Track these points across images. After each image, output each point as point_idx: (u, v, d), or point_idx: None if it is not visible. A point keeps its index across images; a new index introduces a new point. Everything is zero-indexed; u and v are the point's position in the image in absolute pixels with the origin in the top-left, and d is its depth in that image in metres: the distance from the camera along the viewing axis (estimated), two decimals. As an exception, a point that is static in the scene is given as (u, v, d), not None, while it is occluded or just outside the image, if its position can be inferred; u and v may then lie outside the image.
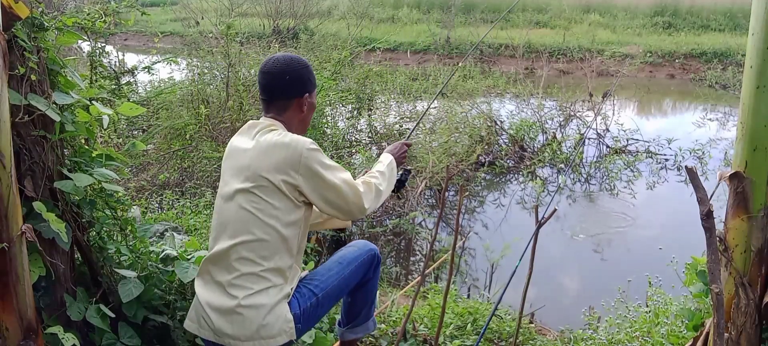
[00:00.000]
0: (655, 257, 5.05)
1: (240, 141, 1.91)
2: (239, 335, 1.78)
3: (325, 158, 1.85)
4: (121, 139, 4.34)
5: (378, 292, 3.46)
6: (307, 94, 1.95)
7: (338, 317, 2.93)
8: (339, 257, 2.10)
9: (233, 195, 1.83)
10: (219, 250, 1.82)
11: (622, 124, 8.23)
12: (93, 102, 1.99)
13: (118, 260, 2.25)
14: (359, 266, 2.10)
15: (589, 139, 8.02)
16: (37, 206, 1.72)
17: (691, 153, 7.69)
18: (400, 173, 2.28)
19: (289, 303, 1.85)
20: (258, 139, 1.84)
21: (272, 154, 1.79)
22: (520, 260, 2.47)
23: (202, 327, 1.85)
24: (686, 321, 2.31)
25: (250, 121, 1.94)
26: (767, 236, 1.72)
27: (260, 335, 1.78)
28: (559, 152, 7.59)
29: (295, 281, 1.91)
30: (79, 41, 2.42)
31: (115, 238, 2.31)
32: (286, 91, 1.91)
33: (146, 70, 4.88)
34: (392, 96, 8.58)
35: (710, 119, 9.90)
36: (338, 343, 2.41)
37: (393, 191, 2.20)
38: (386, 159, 2.16)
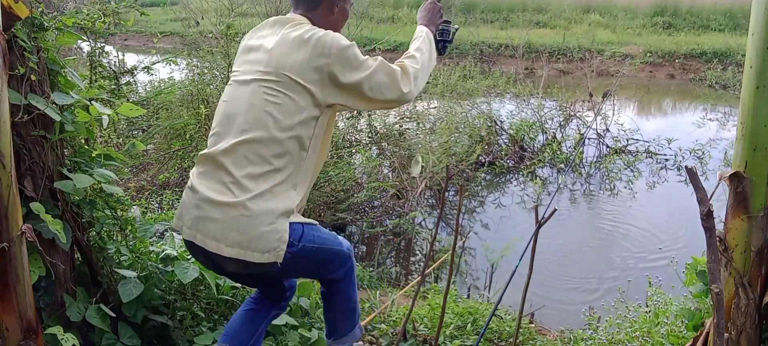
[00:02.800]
0: (655, 257, 5.05)
1: (262, 34, 1.78)
2: (225, 238, 1.62)
3: (357, 51, 1.72)
4: (121, 139, 4.35)
5: (378, 292, 3.47)
6: None
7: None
8: (331, 232, 1.91)
9: (249, 83, 1.69)
10: (226, 145, 1.66)
11: (622, 124, 8.22)
12: (93, 102, 1.99)
13: (118, 260, 2.25)
14: (344, 251, 1.89)
15: (589, 139, 8.02)
16: (36, 207, 1.72)
17: (691, 153, 7.69)
18: (440, 30, 2.06)
19: (291, 226, 1.67)
20: (284, 34, 1.71)
21: (300, 48, 1.66)
22: (520, 260, 2.47)
23: (188, 225, 1.69)
24: (686, 321, 2.31)
25: (274, 17, 1.83)
26: (767, 236, 1.72)
27: (249, 245, 1.62)
28: (559, 152, 7.59)
29: (298, 203, 1.72)
30: (79, 41, 2.42)
31: (115, 238, 2.31)
32: None
33: (146, 70, 4.88)
34: (392, 96, 8.55)
35: (710, 119, 9.89)
36: None
37: (440, 53, 2.06)
38: (420, 33, 1.97)
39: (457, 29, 2.11)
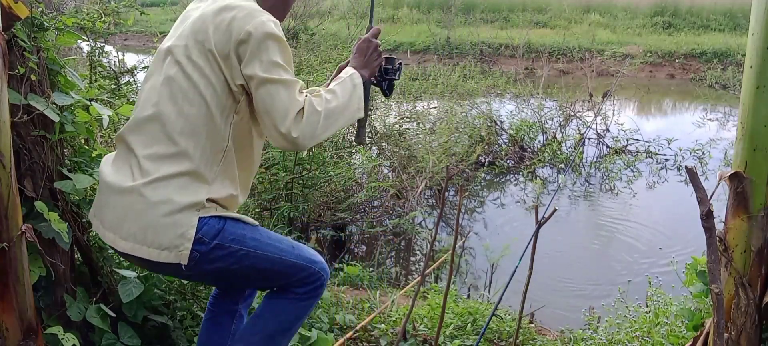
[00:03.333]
0: (655, 257, 5.05)
1: (197, 5, 1.59)
2: (120, 228, 1.44)
3: (281, 52, 1.45)
4: (121, 140, 4.34)
5: (378, 292, 3.47)
6: None
7: (338, 315, 2.93)
8: (296, 243, 1.66)
9: (165, 53, 1.51)
10: (136, 118, 1.50)
11: (622, 124, 8.23)
12: (93, 102, 1.99)
13: (118, 260, 2.25)
14: (306, 266, 1.61)
15: (589, 139, 8.02)
16: (39, 206, 1.72)
17: (691, 153, 7.70)
18: (384, 69, 1.76)
19: (202, 221, 1.44)
20: (211, 1, 1.52)
21: (220, 19, 1.45)
22: (520, 260, 2.47)
23: (93, 213, 1.54)
24: (686, 321, 2.31)
25: None
26: (767, 236, 1.72)
27: (145, 239, 1.41)
28: (559, 152, 7.59)
29: (220, 197, 1.49)
30: (79, 41, 2.42)
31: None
32: None
33: (146, 70, 4.87)
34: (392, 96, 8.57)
35: (710, 119, 9.90)
36: None
37: (386, 94, 1.79)
38: (346, 74, 1.62)
39: (401, 65, 1.82)
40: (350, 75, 1.62)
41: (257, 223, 1.60)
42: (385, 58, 1.76)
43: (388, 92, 1.78)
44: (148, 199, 1.41)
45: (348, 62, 1.72)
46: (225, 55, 1.43)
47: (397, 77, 1.80)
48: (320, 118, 1.46)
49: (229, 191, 1.52)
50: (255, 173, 1.71)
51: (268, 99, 1.42)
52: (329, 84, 1.68)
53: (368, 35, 1.71)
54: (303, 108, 1.44)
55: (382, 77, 1.77)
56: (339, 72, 1.75)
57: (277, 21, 1.49)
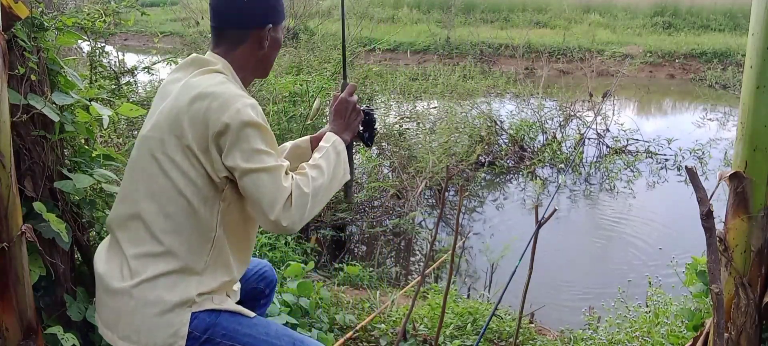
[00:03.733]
0: (655, 257, 5.05)
1: (176, 77, 1.50)
2: (116, 328, 1.43)
3: (262, 137, 1.37)
4: (121, 139, 4.34)
5: (378, 292, 3.47)
6: (271, 26, 1.50)
7: (338, 315, 2.93)
8: (297, 336, 1.57)
9: (144, 140, 1.45)
10: (120, 216, 1.46)
11: (622, 124, 8.23)
12: (93, 102, 1.99)
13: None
14: None
15: (589, 139, 8.02)
16: (38, 206, 1.72)
17: (691, 153, 7.70)
18: (365, 122, 1.70)
19: (194, 315, 1.42)
20: (186, 84, 1.43)
21: (194, 110, 1.37)
22: (520, 260, 2.47)
23: (97, 311, 1.52)
24: (686, 321, 2.31)
25: (194, 55, 1.53)
26: (767, 236, 1.72)
27: (138, 339, 1.41)
28: (559, 152, 7.60)
29: (213, 288, 1.46)
30: (79, 41, 2.42)
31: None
32: (242, 17, 1.48)
33: (146, 70, 4.87)
34: (392, 96, 8.58)
35: (710, 119, 9.90)
36: None
37: (368, 145, 1.76)
38: (329, 141, 1.55)
39: (372, 113, 1.75)
40: (333, 143, 1.55)
41: (255, 314, 1.55)
42: (364, 110, 1.70)
43: (370, 143, 1.75)
44: (139, 300, 1.40)
45: (327, 128, 1.64)
46: (204, 149, 1.37)
47: (377, 128, 1.77)
48: (309, 199, 1.40)
49: (222, 279, 1.49)
50: (253, 246, 1.65)
51: (253, 189, 1.36)
52: (311, 142, 1.70)
53: (344, 94, 1.62)
54: (291, 193, 1.38)
55: (363, 129, 1.73)
56: (318, 139, 1.68)
57: (254, 103, 1.41)
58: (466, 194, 6.42)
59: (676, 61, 13.74)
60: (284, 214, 1.36)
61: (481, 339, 2.67)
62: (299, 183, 1.40)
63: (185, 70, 1.50)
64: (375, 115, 1.75)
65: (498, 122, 7.96)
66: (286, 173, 1.41)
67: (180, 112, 1.38)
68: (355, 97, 1.63)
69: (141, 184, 1.43)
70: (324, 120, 4.96)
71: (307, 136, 1.76)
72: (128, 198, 1.46)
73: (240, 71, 1.52)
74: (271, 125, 4.77)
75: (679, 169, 7.43)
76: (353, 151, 1.68)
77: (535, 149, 7.78)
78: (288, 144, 1.76)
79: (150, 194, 1.41)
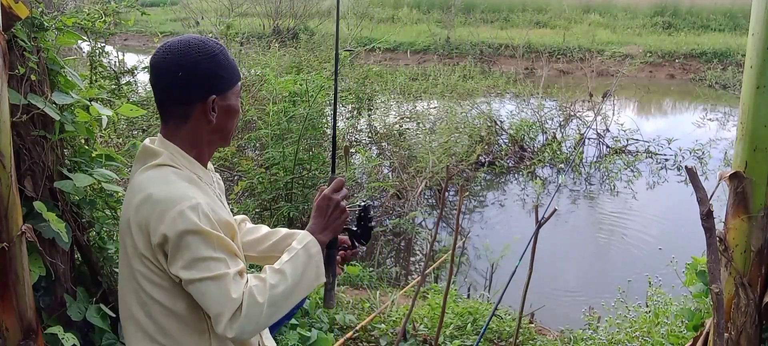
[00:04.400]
0: (655, 257, 5.05)
1: (132, 170, 1.41)
2: None
3: (205, 242, 1.25)
4: (121, 139, 4.34)
5: (378, 292, 3.47)
6: (215, 96, 1.34)
7: (338, 315, 2.94)
8: None
9: (122, 241, 1.37)
10: (122, 311, 1.41)
11: (622, 124, 8.23)
12: (93, 102, 1.99)
13: (118, 260, 2.25)
14: None
15: (589, 139, 8.03)
16: (38, 205, 1.72)
17: (691, 153, 7.70)
18: (361, 217, 1.56)
19: None
20: (134, 181, 1.35)
21: (138, 215, 1.29)
22: (520, 260, 2.47)
23: None
24: (686, 321, 2.31)
25: (144, 143, 1.40)
26: (767, 236, 1.72)
27: None
28: (559, 152, 7.60)
29: None
30: (79, 41, 2.42)
31: (115, 238, 2.31)
32: (182, 93, 1.33)
33: (146, 70, 4.88)
34: (392, 96, 8.59)
35: (710, 119, 9.90)
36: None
37: (362, 243, 1.58)
38: (301, 243, 1.38)
39: (372, 212, 1.61)
40: (305, 244, 1.37)
41: None
42: (359, 206, 1.57)
43: (364, 241, 1.58)
44: None
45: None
46: (154, 257, 1.30)
47: (373, 224, 1.60)
48: (263, 309, 1.26)
49: None
50: None
51: (200, 298, 1.27)
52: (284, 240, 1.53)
53: (328, 190, 1.44)
54: (241, 304, 1.25)
55: (357, 226, 1.58)
56: (288, 236, 1.55)
57: (197, 203, 1.26)
58: (466, 194, 6.43)
59: (676, 61, 13.74)
60: (231, 326, 1.24)
61: (481, 339, 2.67)
62: (253, 291, 1.27)
63: (137, 162, 1.38)
64: (372, 212, 1.60)
65: (498, 122, 7.96)
66: (240, 277, 1.28)
67: (129, 219, 1.31)
68: (342, 193, 1.45)
69: (129, 292, 1.37)
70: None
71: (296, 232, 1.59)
72: (123, 299, 1.40)
73: (192, 149, 1.38)
74: (270, 125, 4.80)
75: (679, 169, 7.43)
76: (336, 251, 1.51)
77: (535, 149, 7.78)
78: (281, 232, 1.64)
79: (138, 301, 1.35)
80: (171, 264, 1.27)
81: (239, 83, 1.41)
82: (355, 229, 1.58)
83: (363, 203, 1.59)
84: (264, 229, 1.69)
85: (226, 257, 1.28)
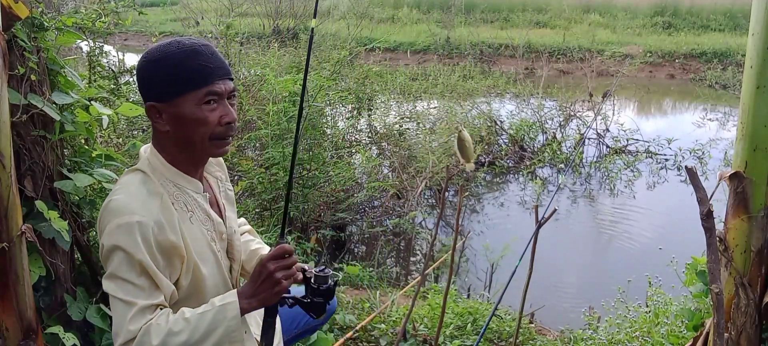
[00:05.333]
0: (655, 257, 5.05)
1: None
2: None
3: (125, 264, 1.24)
4: (121, 139, 4.35)
5: (378, 292, 3.47)
6: (154, 103, 1.33)
7: (338, 315, 2.93)
8: None
9: None
10: None
11: (622, 124, 8.23)
12: (92, 102, 1.99)
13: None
14: None
15: (589, 139, 8.03)
16: (40, 205, 1.72)
17: (691, 153, 7.70)
18: (317, 288, 1.45)
19: None
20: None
21: (100, 216, 1.33)
22: (520, 260, 2.47)
23: None
24: (686, 321, 2.31)
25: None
26: (767, 236, 1.72)
27: None
28: (559, 152, 7.60)
29: None
30: (79, 41, 2.42)
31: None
32: (141, 91, 1.37)
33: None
34: (392, 96, 8.58)
35: (710, 119, 9.90)
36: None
37: (312, 316, 1.47)
38: (220, 302, 1.30)
39: (336, 282, 1.48)
40: (224, 304, 1.28)
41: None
42: (317, 275, 1.45)
43: (314, 313, 1.45)
44: None
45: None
46: None
47: (328, 297, 1.46)
48: None
49: None
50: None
51: (111, 310, 1.29)
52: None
53: (266, 257, 1.32)
54: (135, 337, 1.23)
55: (309, 294, 1.45)
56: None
57: (130, 223, 1.25)
58: (466, 194, 6.42)
59: (676, 61, 13.74)
60: None
61: (481, 339, 2.67)
62: (150, 330, 1.23)
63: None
64: (332, 282, 1.45)
65: (498, 122, 7.96)
66: (149, 312, 1.26)
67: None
68: (281, 262, 1.31)
69: None
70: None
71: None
72: None
73: (163, 152, 1.38)
74: (270, 125, 4.79)
75: (679, 169, 7.43)
76: (274, 319, 1.39)
77: (535, 149, 7.78)
78: (252, 245, 1.63)
79: None
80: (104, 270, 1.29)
81: (204, 90, 1.31)
82: (306, 299, 1.45)
83: (320, 271, 1.45)
84: (247, 238, 1.69)
85: (144, 286, 1.26)
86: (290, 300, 1.48)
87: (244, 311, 1.30)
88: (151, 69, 1.33)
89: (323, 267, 1.49)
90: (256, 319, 1.56)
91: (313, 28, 1.53)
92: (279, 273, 1.30)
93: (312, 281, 1.46)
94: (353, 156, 6.01)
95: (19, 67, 1.72)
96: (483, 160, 7.33)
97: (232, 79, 1.38)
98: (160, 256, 1.29)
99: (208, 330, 1.26)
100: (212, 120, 1.33)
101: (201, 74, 1.32)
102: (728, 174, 1.74)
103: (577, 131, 8.15)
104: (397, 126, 7.06)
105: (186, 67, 1.31)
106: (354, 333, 2.82)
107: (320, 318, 1.49)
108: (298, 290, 1.54)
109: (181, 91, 1.31)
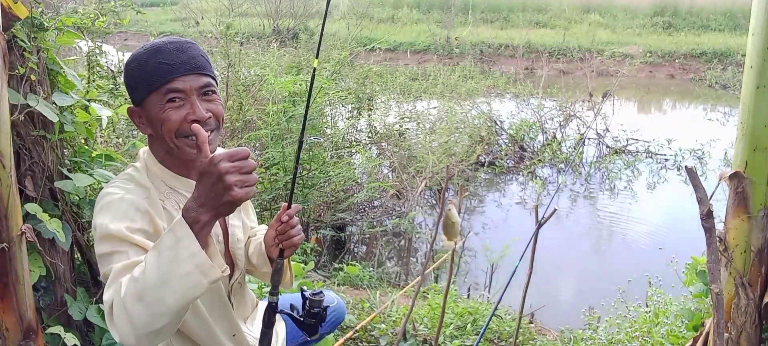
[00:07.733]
0: (655, 257, 5.05)
1: None
2: None
3: (108, 240, 1.19)
4: (120, 139, 4.35)
5: (378, 292, 3.47)
6: (132, 105, 1.34)
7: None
8: None
9: None
10: None
11: (622, 124, 8.23)
12: (92, 103, 1.99)
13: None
14: None
15: (589, 139, 8.03)
16: (32, 207, 1.71)
17: (691, 153, 7.70)
18: (309, 312, 1.40)
19: None
20: None
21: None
22: (520, 260, 2.47)
23: None
24: (686, 321, 2.31)
25: None
26: (767, 236, 1.72)
27: None
28: (559, 152, 7.60)
29: None
30: (78, 41, 2.42)
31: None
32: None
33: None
34: (392, 96, 8.58)
35: (710, 119, 9.90)
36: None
37: (307, 336, 1.42)
38: (172, 223, 1.11)
39: (326, 308, 1.42)
40: (172, 226, 1.08)
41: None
42: (310, 298, 1.40)
43: (306, 333, 1.39)
44: None
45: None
46: None
47: (320, 321, 1.40)
48: (124, 308, 1.06)
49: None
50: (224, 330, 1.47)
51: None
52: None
53: (219, 155, 1.05)
54: (112, 303, 1.10)
55: (304, 313, 1.39)
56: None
57: (109, 202, 1.24)
58: (466, 194, 6.42)
59: (676, 61, 13.75)
60: (113, 328, 1.10)
61: (481, 339, 2.67)
62: (120, 288, 1.09)
63: None
64: (324, 305, 1.39)
65: (498, 122, 7.96)
66: (122, 272, 1.14)
67: None
68: (235, 165, 1.05)
69: None
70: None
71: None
72: None
73: (154, 153, 1.37)
74: (270, 125, 4.79)
75: (679, 169, 7.43)
76: (271, 330, 1.32)
77: (535, 149, 7.78)
78: (254, 240, 1.59)
79: None
80: None
81: (164, 88, 1.26)
82: (300, 316, 1.38)
83: (316, 294, 1.38)
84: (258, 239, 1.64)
85: (126, 250, 1.18)
86: (290, 317, 1.44)
87: (193, 221, 1.06)
88: (124, 73, 1.33)
89: (320, 291, 1.42)
90: (256, 325, 1.55)
91: (315, 68, 1.49)
92: (232, 177, 1.03)
93: (306, 303, 1.41)
94: (353, 156, 6.02)
95: (19, 67, 1.72)
96: (483, 160, 7.33)
97: (205, 74, 1.31)
98: (142, 220, 1.25)
99: (169, 260, 1.05)
100: (175, 119, 1.27)
101: (159, 72, 1.27)
102: (728, 174, 1.74)
103: (577, 131, 8.16)
104: (397, 126, 7.06)
105: (147, 67, 1.27)
106: (354, 333, 2.82)
107: (313, 338, 1.43)
108: (294, 296, 1.53)
109: (147, 92, 1.28)
